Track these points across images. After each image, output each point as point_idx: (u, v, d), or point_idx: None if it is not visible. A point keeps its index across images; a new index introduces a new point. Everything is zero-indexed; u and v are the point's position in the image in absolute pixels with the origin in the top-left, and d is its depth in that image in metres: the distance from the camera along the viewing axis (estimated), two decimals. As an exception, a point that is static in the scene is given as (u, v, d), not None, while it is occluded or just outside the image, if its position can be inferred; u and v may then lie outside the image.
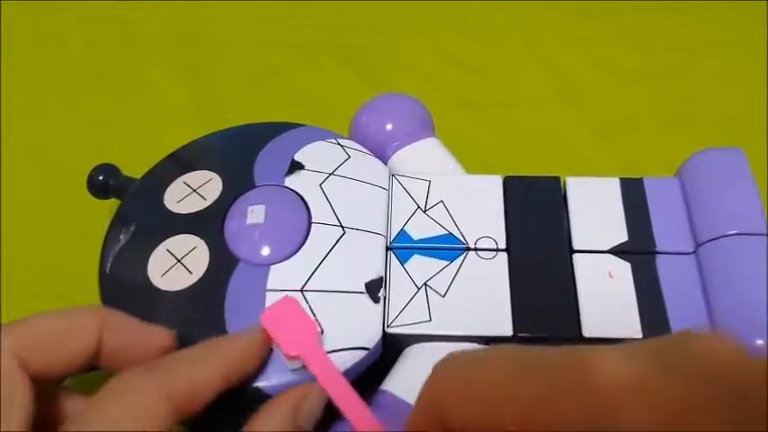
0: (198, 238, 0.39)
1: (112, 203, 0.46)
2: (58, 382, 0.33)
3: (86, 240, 0.43)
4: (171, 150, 0.44)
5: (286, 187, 0.41)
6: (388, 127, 0.44)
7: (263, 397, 0.34)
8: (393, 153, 0.44)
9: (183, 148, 0.45)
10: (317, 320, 0.36)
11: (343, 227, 0.39)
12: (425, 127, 0.45)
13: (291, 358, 0.33)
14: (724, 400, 0.21)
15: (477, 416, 0.25)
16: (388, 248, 0.40)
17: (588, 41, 0.58)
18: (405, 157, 0.44)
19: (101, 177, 0.46)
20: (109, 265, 0.39)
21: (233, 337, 0.34)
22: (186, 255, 0.38)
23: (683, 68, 0.56)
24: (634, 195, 0.41)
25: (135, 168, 0.45)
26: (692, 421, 0.21)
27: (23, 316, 0.46)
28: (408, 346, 0.37)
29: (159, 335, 0.33)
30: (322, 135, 0.44)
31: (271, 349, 0.34)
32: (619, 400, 0.21)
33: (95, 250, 0.40)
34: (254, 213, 0.39)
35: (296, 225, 0.39)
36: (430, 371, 0.35)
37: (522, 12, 0.60)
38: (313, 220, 0.39)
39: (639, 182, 0.41)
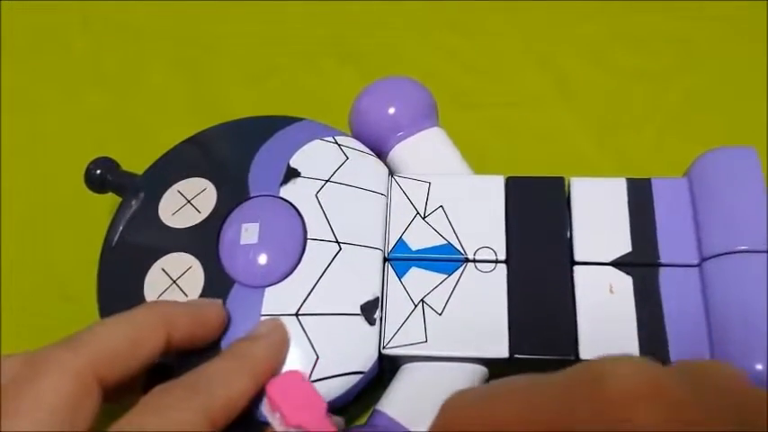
0: (193, 258, 0.39)
1: (112, 203, 0.46)
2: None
3: (87, 239, 0.43)
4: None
5: (281, 198, 0.40)
6: (391, 111, 0.43)
7: (258, 423, 0.34)
8: (395, 144, 0.43)
9: (179, 147, 0.44)
10: (311, 345, 0.36)
11: (339, 243, 0.39)
12: (430, 114, 0.44)
13: (293, 427, 0.33)
14: (733, 416, 0.21)
15: None
16: (385, 259, 0.39)
17: (588, 41, 0.57)
18: (407, 150, 0.43)
19: (98, 171, 0.45)
20: (105, 285, 0.39)
21: (257, 340, 0.34)
22: (181, 276, 0.38)
23: (683, 68, 0.55)
24: (640, 199, 0.40)
25: (134, 168, 0.45)
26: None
27: (23, 315, 0.47)
28: (404, 364, 0.37)
29: (214, 313, 0.35)
30: (319, 132, 0.43)
31: None
32: (632, 404, 0.21)
33: (95, 249, 0.40)
34: (248, 233, 0.39)
35: (291, 244, 0.39)
36: (424, 392, 0.36)
37: (522, 11, 0.60)
38: (308, 236, 0.39)
39: (647, 183, 0.40)
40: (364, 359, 0.36)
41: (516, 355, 0.36)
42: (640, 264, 0.38)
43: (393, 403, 0.36)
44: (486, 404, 0.25)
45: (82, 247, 0.46)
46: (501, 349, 0.36)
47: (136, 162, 0.45)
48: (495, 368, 0.37)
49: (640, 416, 0.21)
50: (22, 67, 0.60)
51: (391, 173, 0.42)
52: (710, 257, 0.37)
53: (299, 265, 0.38)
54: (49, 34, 0.62)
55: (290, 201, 0.40)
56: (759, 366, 0.33)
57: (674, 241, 0.39)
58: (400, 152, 0.43)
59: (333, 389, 0.35)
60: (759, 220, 0.37)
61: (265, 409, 0.33)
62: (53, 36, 0.62)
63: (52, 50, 0.61)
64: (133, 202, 0.42)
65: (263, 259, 0.38)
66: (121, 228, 0.41)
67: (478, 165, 0.44)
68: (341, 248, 0.39)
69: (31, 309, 0.47)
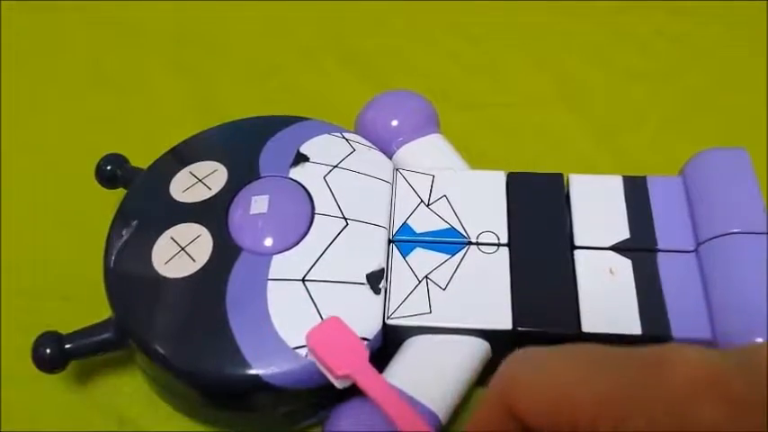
0: (202, 227, 0.39)
1: (114, 201, 0.46)
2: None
3: (87, 240, 0.43)
4: (172, 148, 0.45)
5: (290, 179, 0.41)
6: (394, 123, 0.45)
7: (262, 385, 0.34)
8: (398, 148, 0.44)
9: (191, 139, 0.45)
10: (317, 309, 0.36)
11: (345, 218, 0.39)
12: (430, 123, 0.45)
13: (341, 378, 0.33)
14: None
15: (550, 410, 0.25)
16: (390, 241, 0.40)
17: (588, 41, 0.58)
18: (409, 153, 0.44)
19: (109, 167, 0.46)
20: (114, 251, 0.39)
21: None
22: (190, 243, 0.39)
23: (683, 68, 0.56)
24: (637, 193, 0.41)
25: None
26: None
27: (25, 315, 0.46)
28: (408, 337, 0.37)
29: None
30: (328, 129, 0.44)
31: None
32: (695, 396, 0.22)
33: (96, 250, 0.40)
34: (258, 203, 0.40)
35: (299, 216, 0.40)
36: (428, 362, 0.36)
37: (522, 11, 0.60)
38: (316, 212, 0.40)
39: (642, 180, 0.42)
40: (369, 326, 0.36)
41: (519, 328, 0.36)
42: (639, 249, 0.39)
43: (397, 373, 0.36)
44: (550, 369, 0.25)
45: (82, 247, 0.46)
46: (504, 322, 0.36)
47: (135, 162, 0.46)
48: (497, 343, 0.37)
49: (699, 411, 0.22)
50: (23, 67, 0.60)
51: (396, 168, 0.43)
52: (707, 240, 0.38)
53: (307, 236, 0.39)
54: (49, 34, 0.62)
55: (299, 181, 0.41)
56: (759, 340, 0.34)
57: (670, 230, 0.40)
58: (402, 155, 0.44)
59: None
60: (753, 206, 0.38)
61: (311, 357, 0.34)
62: (53, 36, 0.62)
63: (52, 50, 0.62)
64: (141, 189, 0.42)
65: (271, 228, 0.39)
66: (131, 206, 0.41)
67: (478, 164, 0.45)
68: (347, 224, 0.39)
69: (31, 309, 0.47)
